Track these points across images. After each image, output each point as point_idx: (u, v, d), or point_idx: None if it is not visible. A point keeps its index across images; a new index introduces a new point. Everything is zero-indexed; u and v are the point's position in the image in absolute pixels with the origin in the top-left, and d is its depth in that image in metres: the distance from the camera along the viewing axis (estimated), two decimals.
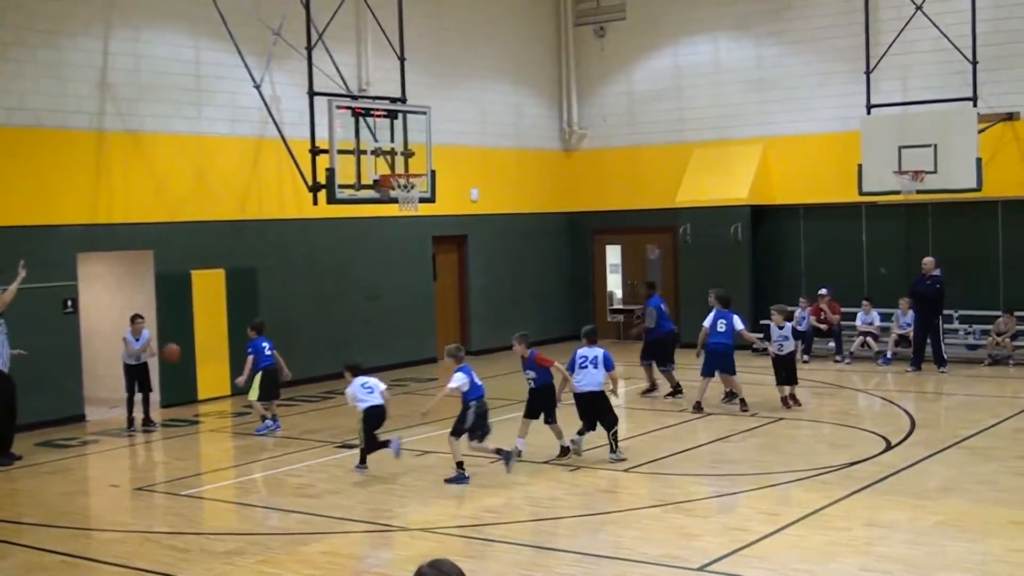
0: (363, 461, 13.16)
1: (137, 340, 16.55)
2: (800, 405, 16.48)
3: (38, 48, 16.88)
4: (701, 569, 9.15)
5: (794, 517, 10.57)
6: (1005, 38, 21.12)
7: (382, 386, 13.43)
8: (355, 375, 13.45)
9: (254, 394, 15.89)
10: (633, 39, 25.66)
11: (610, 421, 13.24)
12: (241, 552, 10.08)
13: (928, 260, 20.21)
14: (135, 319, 16.72)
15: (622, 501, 11.54)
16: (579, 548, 9.87)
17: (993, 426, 14.96)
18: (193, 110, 18.89)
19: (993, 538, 9.93)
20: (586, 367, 13.28)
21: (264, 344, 16.06)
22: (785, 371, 16.62)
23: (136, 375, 16.62)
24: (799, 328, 21.80)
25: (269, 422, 15.96)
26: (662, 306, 18.01)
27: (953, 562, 9.18)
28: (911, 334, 20.46)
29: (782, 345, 16.63)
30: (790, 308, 17.73)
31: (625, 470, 12.80)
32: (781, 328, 16.67)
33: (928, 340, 19.81)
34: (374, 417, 13.18)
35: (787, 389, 16.54)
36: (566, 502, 11.67)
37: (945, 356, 19.71)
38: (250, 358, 15.94)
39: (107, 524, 11.69)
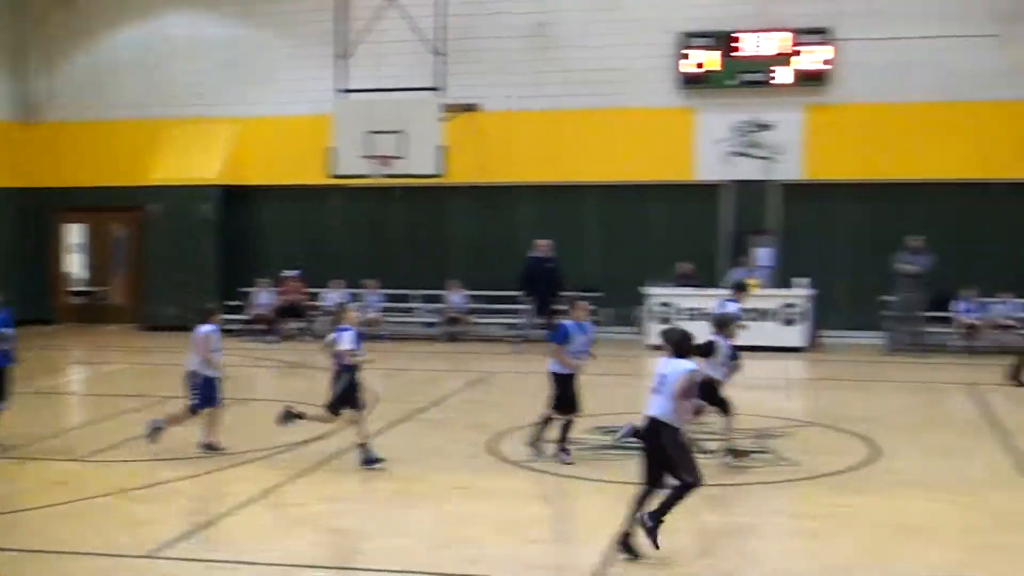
0: None
1: None
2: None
3: None
4: (148, 556, 8.74)
5: (249, 496, 10.44)
6: (470, 32, 22.26)
7: None
8: None
9: None
10: (102, 7, 24.37)
11: None
12: None
13: (543, 242, 20.99)
14: None
15: (70, 492, 10.79)
16: (11, 545, 9.07)
17: (445, 399, 15.85)
18: None
19: (443, 504, 10.37)
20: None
21: None
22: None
23: None
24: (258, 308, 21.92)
25: None
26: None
27: (407, 528, 9.55)
28: (376, 313, 21.40)
29: None
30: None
31: (72, 459, 12.04)
32: None
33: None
34: None
35: None
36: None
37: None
38: None
39: None
